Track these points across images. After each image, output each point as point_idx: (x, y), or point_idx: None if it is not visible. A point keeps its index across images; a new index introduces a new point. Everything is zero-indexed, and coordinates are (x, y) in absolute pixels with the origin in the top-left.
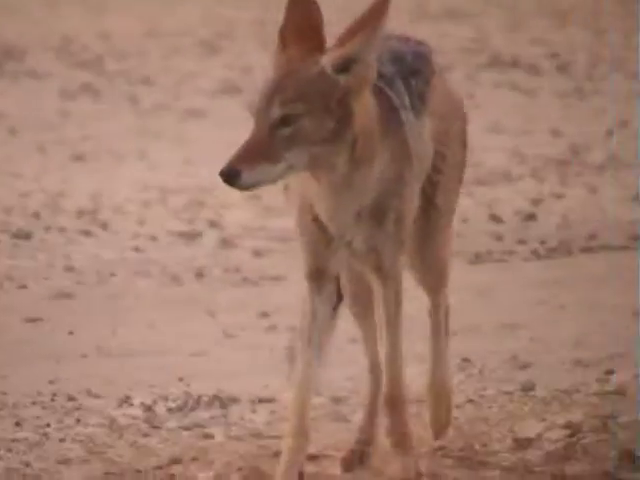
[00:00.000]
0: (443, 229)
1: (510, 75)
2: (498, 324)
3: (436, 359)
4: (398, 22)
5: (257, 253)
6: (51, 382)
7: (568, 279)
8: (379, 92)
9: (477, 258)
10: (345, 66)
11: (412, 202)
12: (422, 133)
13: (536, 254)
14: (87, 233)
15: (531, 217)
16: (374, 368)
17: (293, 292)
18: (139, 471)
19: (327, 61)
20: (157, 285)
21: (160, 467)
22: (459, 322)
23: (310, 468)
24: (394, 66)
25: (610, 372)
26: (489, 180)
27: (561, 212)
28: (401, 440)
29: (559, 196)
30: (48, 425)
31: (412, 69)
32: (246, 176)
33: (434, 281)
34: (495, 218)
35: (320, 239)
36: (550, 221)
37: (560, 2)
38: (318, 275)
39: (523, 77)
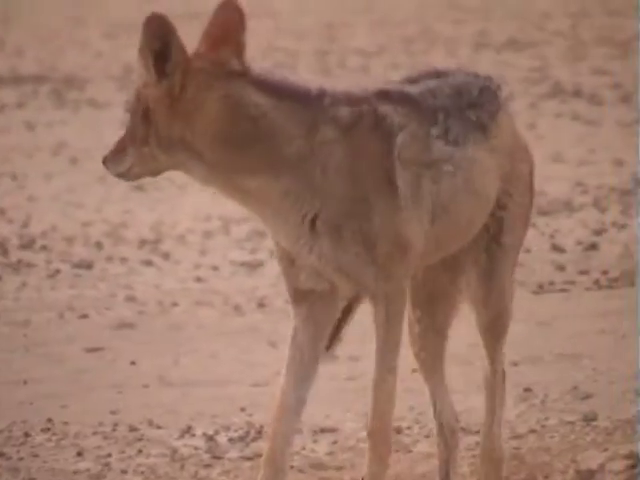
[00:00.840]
0: (507, 270)
1: (572, 105)
2: (560, 354)
3: (489, 426)
4: (462, 52)
5: None
6: (113, 412)
7: (630, 309)
8: (373, 118)
9: (539, 288)
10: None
11: (390, 228)
12: (474, 167)
13: (598, 284)
14: (149, 263)
15: (593, 247)
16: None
17: (355, 323)
18: None
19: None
20: (219, 315)
21: None
22: (521, 352)
23: None
24: (450, 99)
25: None
26: (551, 210)
27: (623, 242)
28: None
29: (621, 226)
30: (110, 455)
31: (474, 102)
32: (110, 166)
33: (495, 325)
34: (557, 248)
35: (284, 255)
36: (612, 251)
37: (622, 32)
38: (297, 296)
39: (585, 107)
